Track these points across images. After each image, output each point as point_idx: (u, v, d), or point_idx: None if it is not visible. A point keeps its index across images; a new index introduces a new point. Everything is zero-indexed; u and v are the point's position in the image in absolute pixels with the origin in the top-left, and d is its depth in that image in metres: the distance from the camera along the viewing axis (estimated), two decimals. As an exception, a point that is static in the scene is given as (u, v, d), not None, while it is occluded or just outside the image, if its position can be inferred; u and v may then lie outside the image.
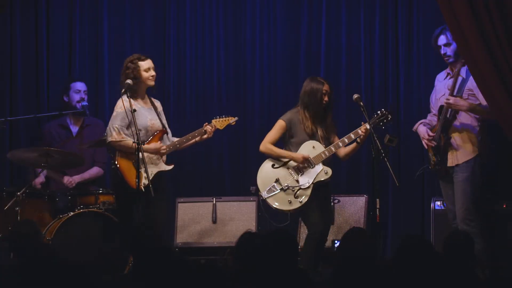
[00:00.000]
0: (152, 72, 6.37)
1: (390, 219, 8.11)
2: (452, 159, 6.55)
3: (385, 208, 7.94)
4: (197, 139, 6.44)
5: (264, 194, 6.36)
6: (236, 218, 7.53)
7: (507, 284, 3.92)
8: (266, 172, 6.44)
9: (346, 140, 6.53)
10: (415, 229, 7.79)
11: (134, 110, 6.17)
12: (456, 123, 6.55)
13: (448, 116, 6.56)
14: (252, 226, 6.66)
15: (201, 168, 8.35)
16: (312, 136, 6.52)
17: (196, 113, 8.36)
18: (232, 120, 6.57)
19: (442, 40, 6.60)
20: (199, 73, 8.41)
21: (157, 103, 6.51)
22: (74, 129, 7.49)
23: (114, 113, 6.33)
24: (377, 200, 6.21)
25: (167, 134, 6.42)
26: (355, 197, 7.48)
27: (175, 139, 6.46)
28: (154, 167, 6.29)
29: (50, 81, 8.32)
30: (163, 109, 6.61)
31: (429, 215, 7.29)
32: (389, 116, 6.55)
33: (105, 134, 6.39)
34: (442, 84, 6.72)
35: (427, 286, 4.00)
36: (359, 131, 6.47)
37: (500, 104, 5.87)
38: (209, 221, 7.56)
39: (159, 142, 6.34)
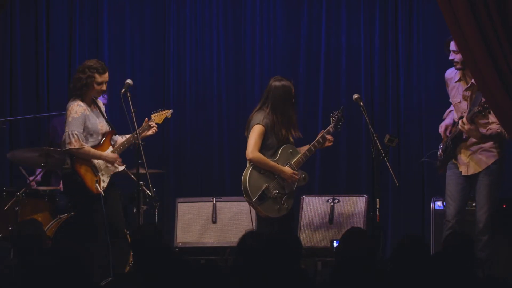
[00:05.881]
0: (104, 87, 6.30)
1: (390, 219, 8.12)
2: (471, 167, 6.34)
3: (385, 208, 7.95)
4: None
5: (256, 201, 6.33)
6: (236, 218, 7.53)
7: (506, 284, 3.92)
8: (255, 179, 6.37)
9: (316, 145, 6.51)
10: (415, 229, 7.80)
11: (134, 111, 6.18)
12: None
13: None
14: (251, 226, 6.64)
15: (201, 168, 8.35)
16: (286, 140, 6.43)
17: (196, 113, 8.36)
18: (168, 112, 6.57)
19: (452, 46, 6.43)
20: (199, 73, 8.41)
21: (100, 103, 6.42)
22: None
23: (70, 119, 6.15)
24: (377, 200, 6.21)
25: (116, 134, 6.40)
26: (355, 197, 7.47)
27: (119, 137, 6.43)
28: (110, 170, 6.27)
29: (50, 81, 8.33)
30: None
31: (429, 215, 7.29)
32: (342, 119, 6.63)
33: (62, 140, 6.21)
34: (455, 87, 6.51)
35: (426, 286, 4.00)
36: (327, 141, 6.51)
37: (500, 105, 5.86)
38: (209, 221, 7.56)
39: (110, 145, 6.31)
